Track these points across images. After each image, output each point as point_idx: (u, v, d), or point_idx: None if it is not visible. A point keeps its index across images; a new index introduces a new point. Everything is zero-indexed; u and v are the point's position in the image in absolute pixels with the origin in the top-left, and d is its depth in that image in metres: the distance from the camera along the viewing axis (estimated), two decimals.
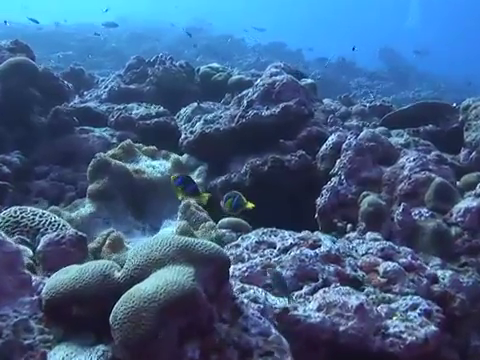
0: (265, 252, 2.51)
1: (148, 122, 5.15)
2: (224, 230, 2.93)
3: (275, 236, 2.61)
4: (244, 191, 4.05)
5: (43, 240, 2.59)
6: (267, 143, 4.21)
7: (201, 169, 4.36)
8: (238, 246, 2.58)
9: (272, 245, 2.56)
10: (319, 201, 3.59)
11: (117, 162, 4.08)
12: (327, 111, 4.51)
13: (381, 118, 6.89)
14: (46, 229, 2.94)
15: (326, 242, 2.52)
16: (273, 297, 2.08)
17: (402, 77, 19.57)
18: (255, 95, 4.42)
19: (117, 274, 1.58)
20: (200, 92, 7.18)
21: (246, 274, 2.33)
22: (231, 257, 2.54)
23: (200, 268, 1.53)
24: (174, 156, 4.44)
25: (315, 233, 2.70)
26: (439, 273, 2.69)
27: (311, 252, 2.41)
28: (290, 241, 2.53)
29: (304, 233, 2.60)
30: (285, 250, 2.51)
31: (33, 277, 1.81)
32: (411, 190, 3.42)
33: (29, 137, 4.75)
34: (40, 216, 2.98)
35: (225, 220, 3.04)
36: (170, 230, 3.44)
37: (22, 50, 5.31)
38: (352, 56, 19.35)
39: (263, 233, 2.63)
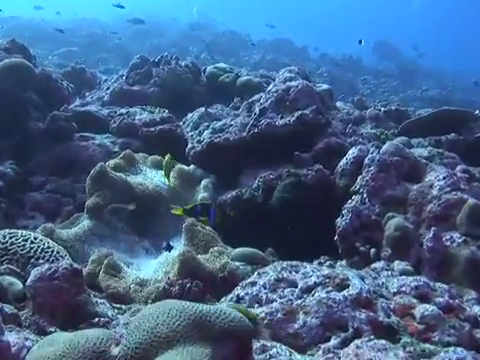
0: (285, 292, 2.20)
1: (152, 129, 4.83)
2: (237, 263, 2.60)
3: (296, 272, 2.30)
4: (256, 207, 3.76)
5: (33, 274, 2.29)
6: (280, 155, 3.89)
7: (207, 182, 4.03)
8: (254, 284, 2.27)
9: (293, 283, 2.24)
10: (339, 222, 3.28)
11: (119, 174, 3.78)
12: (345, 120, 4.18)
13: (396, 123, 6.58)
14: (38, 257, 2.64)
15: (355, 281, 2.21)
16: (298, 356, 1.77)
17: (409, 75, 19.41)
18: (268, 102, 4.09)
19: (114, 351, 1.27)
20: (206, 94, 6.87)
21: (265, 322, 2.02)
22: (246, 297, 2.24)
23: (217, 346, 1.22)
24: (178, 166, 4.12)
25: (340, 267, 2.39)
26: (476, 310, 2.38)
27: (339, 295, 2.10)
28: (314, 279, 2.22)
29: (329, 270, 2.28)
30: (308, 290, 2.19)
31: (13, 339, 1.51)
32: (441, 212, 3.11)
33: (25, 144, 4.44)
34: (32, 242, 2.68)
35: (239, 251, 2.70)
36: (172, 255, 3.13)
37: (19, 50, 4.98)
38: (356, 52, 19.10)
39: (282, 268, 2.32)
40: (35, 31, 13.49)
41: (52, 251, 2.69)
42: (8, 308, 1.83)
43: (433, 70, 20.73)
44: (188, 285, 2.76)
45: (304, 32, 26.07)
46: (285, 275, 2.28)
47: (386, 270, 2.65)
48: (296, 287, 2.23)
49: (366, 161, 3.45)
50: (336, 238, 3.30)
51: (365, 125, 6.06)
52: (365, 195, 3.32)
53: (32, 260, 2.51)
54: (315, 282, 2.21)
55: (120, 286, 2.90)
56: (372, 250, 3.14)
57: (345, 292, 2.13)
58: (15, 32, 9.32)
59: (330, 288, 2.17)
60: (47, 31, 14.05)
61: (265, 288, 2.23)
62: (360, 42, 8.78)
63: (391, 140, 4.83)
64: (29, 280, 2.28)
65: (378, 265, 2.74)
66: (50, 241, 2.80)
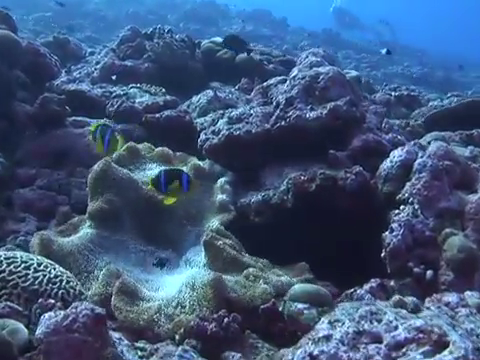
0: (370, 350, 1.74)
1: (158, 116, 4.26)
2: (300, 305, 2.10)
3: (378, 322, 1.84)
4: (286, 214, 3.28)
5: (46, 324, 1.79)
6: (308, 152, 3.41)
7: (223, 181, 3.50)
8: (329, 338, 1.80)
9: (377, 338, 1.80)
10: (389, 238, 2.83)
11: (125, 171, 3.26)
12: (379, 113, 3.70)
13: (408, 109, 6.18)
14: (45, 290, 2.14)
15: (454, 338, 1.77)
16: None
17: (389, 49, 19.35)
18: (295, 91, 3.57)
19: None
20: (203, 70, 6.33)
21: None
22: (322, 357, 1.77)
23: None
24: (192, 162, 3.61)
25: (430, 316, 1.94)
26: None
27: None
28: (403, 334, 1.77)
29: (420, 321, 1.82)
30: (397, 347, 1.75)
31: None
32: None
33: (11, 131, 3.84)
34: (35, 270, 2.16)
35: (298, 289, 2.18)
36: (198, 277, 2.62)
37: (3, 20, 4.32)
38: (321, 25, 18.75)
39: (361, 317, 1.86)
40: None
41: (61, 281, 2.19)
42: None
43: (409, 47, 20.76)
44: (226, 320, 2.30)
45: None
46: (366, 327, 1.82)
47: (463, 307, 2.23)
48: (381, 343, 1.78)
49: (416, 166, 3.00)
50: (383, 255, 2.86)
51: None
52: (417, 206, 2.88)
53: (40, 300, 1.99)
54: (406, 338, 1.76)
55: (140, 317, 2.41)
56: (429, 272, 2.72)
57: (449, 355, 1.69)
58: None
59: (428, 348, 1.73)
60: None
61: (343, 344, 1.78)
62: (388, 52, 8.30)
63: (420, 133, 4.43)
64: (40, 331, 1.78)
65: (451, 299, 2.30)
66: (57, 266, 2.29)
